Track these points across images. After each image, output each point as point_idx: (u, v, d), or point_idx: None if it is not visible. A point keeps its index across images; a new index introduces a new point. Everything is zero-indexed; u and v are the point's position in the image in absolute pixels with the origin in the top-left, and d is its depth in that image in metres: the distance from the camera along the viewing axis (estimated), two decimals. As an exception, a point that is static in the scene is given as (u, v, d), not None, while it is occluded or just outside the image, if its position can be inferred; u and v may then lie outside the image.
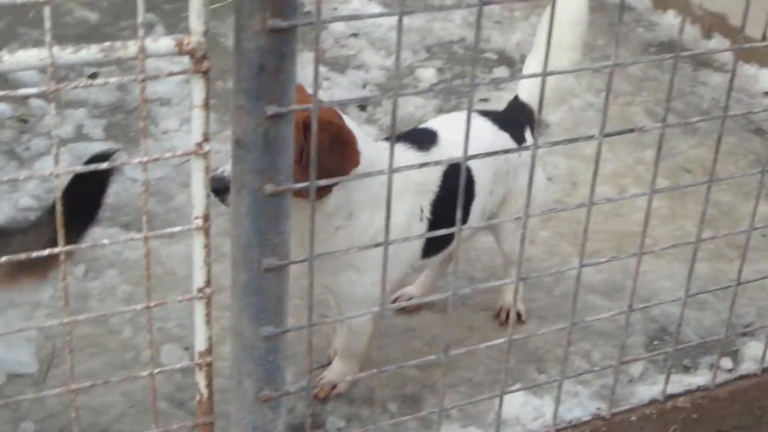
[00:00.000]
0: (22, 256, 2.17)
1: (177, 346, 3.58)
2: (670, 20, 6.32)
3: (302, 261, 2.55)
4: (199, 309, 2.64)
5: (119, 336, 3.60)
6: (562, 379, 3.04)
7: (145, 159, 2.39)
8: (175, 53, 2.26)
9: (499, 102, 5.37)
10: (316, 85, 2.32)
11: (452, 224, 3.26)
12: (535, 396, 3.26)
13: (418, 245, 3.21)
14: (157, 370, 2.69)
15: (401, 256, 3.16)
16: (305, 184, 2.39)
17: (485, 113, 3.57)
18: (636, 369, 3.54)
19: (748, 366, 3.50)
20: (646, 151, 4.92)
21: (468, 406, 3.26)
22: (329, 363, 3.49)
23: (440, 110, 5.35)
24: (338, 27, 6.17)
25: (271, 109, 2.29)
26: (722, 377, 3.40)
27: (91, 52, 2.23)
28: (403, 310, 3.78)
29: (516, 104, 3.63)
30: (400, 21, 2.22)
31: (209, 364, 2.72)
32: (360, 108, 5.28)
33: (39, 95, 3.56)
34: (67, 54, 2.23)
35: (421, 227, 3.17)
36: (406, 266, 3.25)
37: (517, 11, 6.43)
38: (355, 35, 6.11)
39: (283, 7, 2.19)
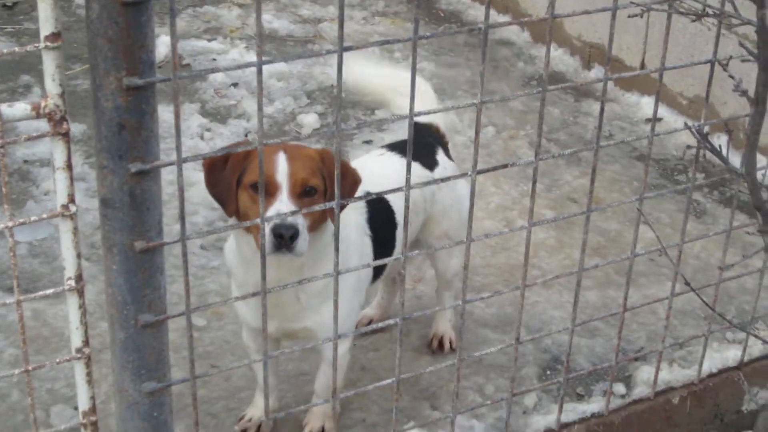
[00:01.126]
0: None
1: (66, 407, 3.50)
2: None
3: (179, 315, 2.53)
4: (79, 369, 2.61)
5: (7, 400, 3.51)
6: (455, 415, 3.06)
7: (10, 224, 2.37)
8: (32, 117, 2.24)
9: (382, 142, 5.43)
10: (179, 142, 2.32)
11: (384, 243, 3.37)
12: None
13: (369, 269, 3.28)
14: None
15: (363, 279, 3.26)
16: (177, 240, 2.39)
17: (394, 147, 3.62)
18: (530, 400, 3.57)
19: (641, 390, 3.56)
20: (530, 184, 4.99)
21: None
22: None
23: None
24: (218, 77, 6.16)
25: (135, 167, 2.28)
26: (616, 403, 3.46)
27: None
28: (364, 334, 3.84)
29: (421, 128, 3.63)
30: (259, 72, 2.23)
31: (94, 423, 2.68)
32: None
33: None
34: (-77, 120, 2.21)
35: (368, 243, 3.23)
36: (364, 290, 3.31)
37: (397, 52, 6.50)
38: (235, 85, 6.10)
39: (138, 65, 2.18)
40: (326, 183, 2.92)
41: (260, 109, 2.27)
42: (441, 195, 3.55)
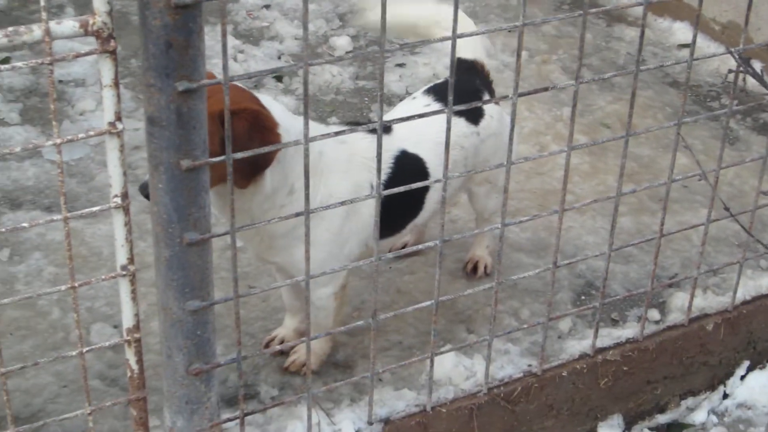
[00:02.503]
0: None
1: (106, 325, 3.55)
2: (584, -23, 6.37)
3: (224, 234, 2.55)
4: (124, 286, 2.64)
5: (48, 318, 3.56)
6: (491, 338, 3.08)
7: (58, 141, 2.38)
8: (80, 34, 2.24)
9: (416, 66, 5.41)
10: (225, 59, 2.31)
11: (402, 207, 3.29)
12: (466, 356, 3.28)
13: (369, 221, 3.17)
14: (86, 349, 2.68)
15: (354, 231, 3.16)
16: (220, 159, 2.40)
17: (435, 91, 3.49)
18: (565, 325, 3.59)
19: (675, 317, 3.56)
20: (564, 109, 4.97)
21: (400, 369, 3.28)
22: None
23: (357, 77, 5.35)
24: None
25: (182, 85, 2.28)
26: (650, 329, 3.46)
27: (-5, 35, 2.20)
28: (400, 257, 3.86)
29: (466, 67, 3.58)
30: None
31: (138, 340, 2.71)
32: (276, 79, 5.25)
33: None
34: (-29, 39, 2.21)
35: (370, 203, 3.15)
36: (359, 243, 3.21)
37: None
38: (267, 6, 6.06)
39: (187, -18, 2.18)
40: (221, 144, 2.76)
41: (305, 27, 2.26)
42: (484, 147, 3.46)
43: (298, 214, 2.62)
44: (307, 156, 2.53)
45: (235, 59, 5.46)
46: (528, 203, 4.27)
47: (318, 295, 3.17)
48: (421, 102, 3.43)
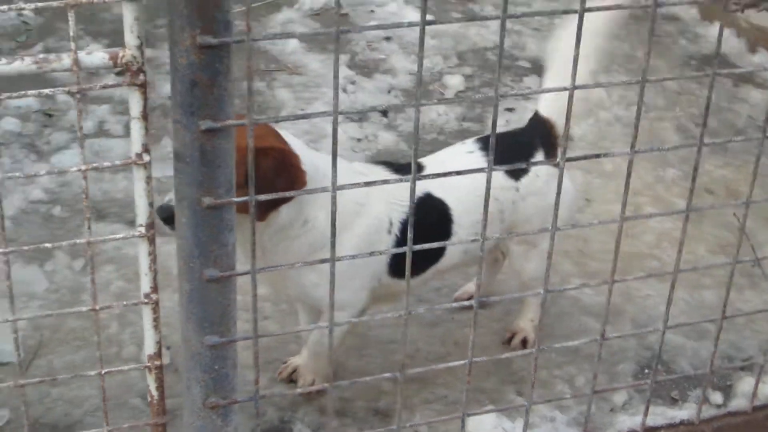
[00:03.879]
0: None
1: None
2: (715, 33, 6.17)
3: (244, 273, 2.54)
4: (147, 314, 2.67)
5: (105, 331, 3.63)
6: (530, 404, 2.98)
7: (83, 167, 2.42)
8: (109, 66, 2.28)
9: (525, 112, 5.32)
10: (251, 101, 2.31)
11: (422, 250, 3.23)
12: (508, 418, 3.20)
13: (383, 259, 3.16)
14: (104, 371, 2.72)
15: (365, 263, 3.13)
16: (243, 199, 2.40)
17: (486, 141, 3.42)
18: (620, 397, 3.45)
19: (739, 402, 3.38)
20: (668, 170, 4.81)
21: (438, 423, 3.22)
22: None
23: (463, 118, 5.29)
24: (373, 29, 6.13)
25: (205, 124, 2.28)
26: (710, 412, 3.29)
27: (25, 63, 2.26)
28: (462, 309, 3.80)
29: (534, 122, 3.51)
30: (422, 30, 2.17)
31: (158, 367, 2.73)
32: (382, 114, 5.26)
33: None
34: (1, 65, 2.27)
35: (388, 240, 3.14)
36: (371, 277, 3.18)
37: (557, 18, 6.34)
38: (388, 39, 6.08)
39: (212, 23, 2.17)
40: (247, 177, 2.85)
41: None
42: (525, 205, 3.35)
43: (323, 261, 2.58)
44: (334, 203, 2.49)
45: (344, 90, 5.48)
46: (608, 265, 4.10)
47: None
48: (466, 148, 3.38)
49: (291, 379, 3.47)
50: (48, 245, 2.63)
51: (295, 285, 3.17)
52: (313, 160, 3.02)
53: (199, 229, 2.44)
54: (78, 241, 2.49)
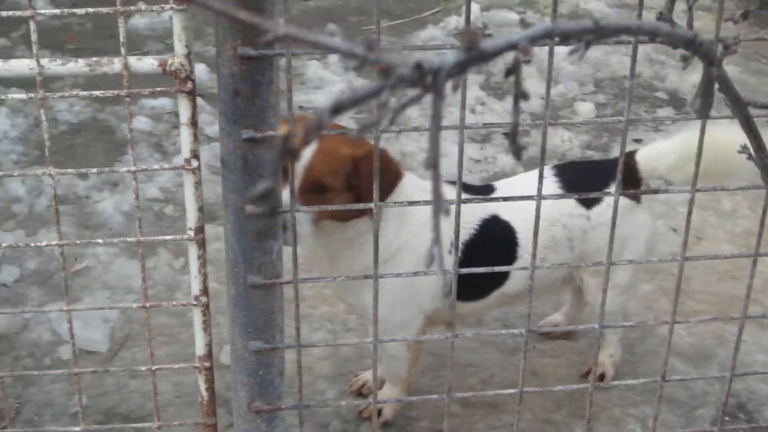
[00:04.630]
0: None
1: (245, 348, 3.68)
2: None
3: (287, 282, 2.59)
4: (197, 316, 2.74)
5: (191, 329, 3.73)
6: (585, 440, 2.93)
7: (133, 168, 2.52)
8: (158, 72, 2.36)
9: (651, 142, 5.19)
10: (291, 114, 2.35)
11: (486, 273, 3.21)
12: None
13: (447, 277, 3.15)
14: (155, 367, 2.82)
15: (427, 284, 3.12)
16: (286, 211, 2.45)
17: (560, 169, 3.37)
18: (691, 442, 3.33)
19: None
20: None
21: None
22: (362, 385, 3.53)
23: (587, 146, 5.21)
24: (512, 52, 6.11)
25: (246, 133, 2.35)
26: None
27: (78, 65, 2.37)
28: (548, 336, 3.81)
29: (625, 162, 3.43)
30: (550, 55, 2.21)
31: (208, 369, 2.81)
32: (506, 135, 5.24)
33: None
34: (55, 65, 2.39)
35: (449, 260, 3.12)
36: (433, 298, 3.17)
37: (706, 51, 6.17)
38: (527, 62, 6.02)
39: (253, 36, 2.24)
40: (351, 183, 2.92)
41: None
42: (595, 233, 3.27)
43: (366, 277, 2.62)
44: (377, 222, 2.51)
45: (473, 110, 5.49)
46: (707, 306, 3.99)
47: (390, 344, 3.18)
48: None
49: (360, 393, 3.50)
50: (99, 241, 2.75)
51: (355, 300, 3.20)
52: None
53: (243, 236, 2.50)
54: (129, 239, 2.59)
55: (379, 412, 3.40)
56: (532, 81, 5.83)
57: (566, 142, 5.21)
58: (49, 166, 2.53)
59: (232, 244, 2.53)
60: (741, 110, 1.31)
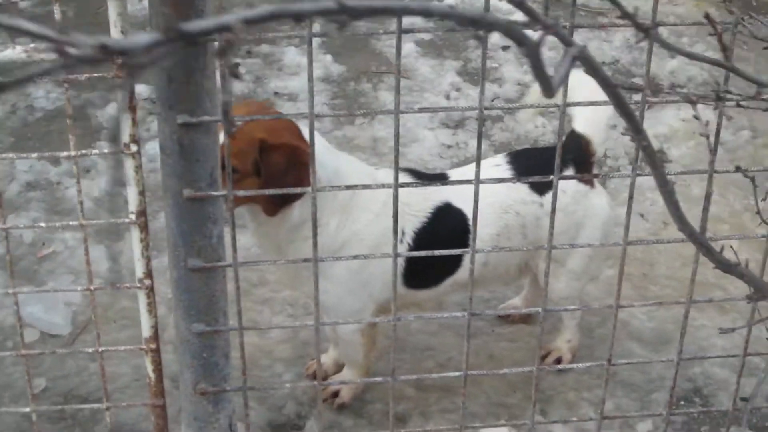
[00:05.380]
0: None
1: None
2: None
3: (226, 265, 2.61)
4: (141, 298, 2.77)
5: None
6: (532, 423, 2.95)
7: (73, 153, 2.55)
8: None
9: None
10: (229, 96, 2.37)
11: (438, 261, 3.22)
12: (527, 435, 3.16)
13: (398, 268, 3.17)
14: (101, 349, 2.85)
15: (376, 273, 3.15)
16: (221, 193, 2.47)
17: (513, 157, 3.40)
18: (644, 426, 3.36)
19: (774, 443, 3.25)
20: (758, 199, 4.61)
21: (447, 433, 3.21)
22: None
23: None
24: (493, 37, 6.11)
25: (182, 118, 2.37)
26: (740, 451, 3.19)
27: (16, 51, 2.40)
28: (507, 318, 3.84)
29: (569, 139, 3.46)
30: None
31: (153, 350, 2.84)
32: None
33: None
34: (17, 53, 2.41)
35: (400, 249, 3.14)
36: (384, 286, 3.18)
37: (685, 37, 6.18)
38: (506, 48, 6.04)
39: (181, 21, 2.26)
40: (258, 168, 2.92)
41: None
42: (548, 220, 3.28)
43: (306, 260, 2.64)
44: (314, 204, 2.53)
45: (447, 96, 5.51)
46: (670, 291, 4.01)
47: (343, 330, 3.25)
48: (494, 162, 3.38)
49: (315, 376, 3.52)
50: (42, 225, 2.77)
51: (307, 290, 3.22)
52: (334, 163, 3.06)
53: (182, 220, 2.52)
54: (72, 222, 2.62)
55: (337, 394, 3.44)
56: (510, 67, 5.85)
57: (539, 128, 5.22)
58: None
59: (172, 228, 2.55)
60: (611, 92, 1.33)
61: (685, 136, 5.09)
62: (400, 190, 3.14)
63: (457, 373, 2.83)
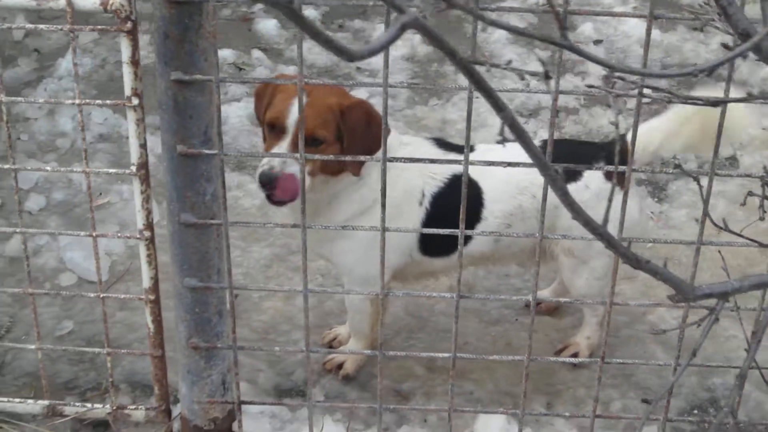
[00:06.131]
0: None
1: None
2: None
3: (217, 223, 2.67)
4: (142, 249, 2.86)
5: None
6: (522, 415, 2.94)
7: (77, 101, 2.63)
8: (99, 11, 2.47)
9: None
10: (216, 60, 2.42)
11: (451, 225, 3.22)
12: (518, 425, 3.15)
13: (415, 234, 3.20)
14: (103, 295, 2.95)
15: (394, 241, 3.15)
16: (212, 152, 2.53)
17: (560, 143, 3.36)
18: (649, 430, 3.29)
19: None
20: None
21: (452, 416, 3.22)
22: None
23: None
24: (586, 30, 6.05)
25: (176, 75, 2.44)
26: (748, 466, 3.12)
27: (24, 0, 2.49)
28: (537, 307, 3.78)
29: (613, 139, 3.45)
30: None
31: (153, 301, 2.93)
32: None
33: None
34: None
35: (419, 212, 3.16)
36: (401, 252, 3.21)
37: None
38: (598, 42, 5.96)
39: (180, -21, 2.32)
40: (342, 135, 2.96)
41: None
42: (566, 212, 3.22)
43: (295, 226, 2.68)
44: (384, 180, 2.57)
45: (528, 85, 5.45)
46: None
47: (353, 298, 3.25)
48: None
49: (331, 345, 3.57)
50: (47, 168, 2.86)
51: (327, 251, 3.26)
52: None
53: (176, 175, 2.60)
54: (76, 170, 2.71)
55: (342, 365, 3.47)
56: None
57: (612, 125, 5.14)
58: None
59: (168, 182, 2.63)
60: (466, 70, 1.33)
61: (763, 145, 4.94)
62: (423, 151, 3.19)
63: (446, 355, 2.84)
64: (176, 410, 3.09)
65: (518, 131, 1.45)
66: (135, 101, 2.57)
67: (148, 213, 2.76)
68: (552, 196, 3.29)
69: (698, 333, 3.77)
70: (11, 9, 5.19)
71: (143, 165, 2.68)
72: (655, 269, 1.72)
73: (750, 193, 2.42)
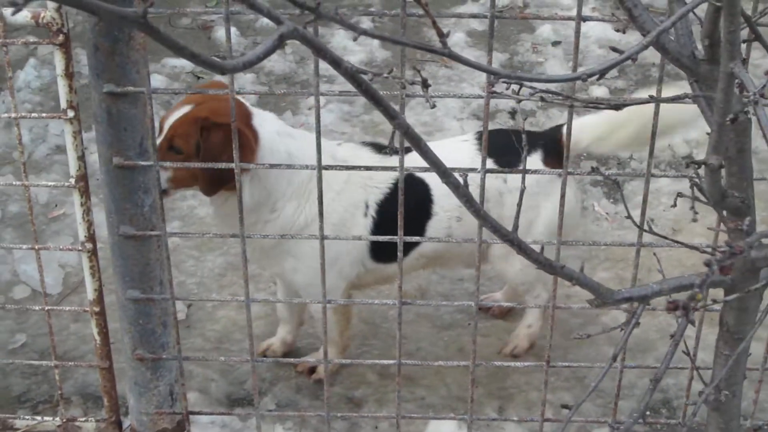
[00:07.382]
0: None
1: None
2: None
3: (155, 234, 2.67)
4: (85, 261, 2.85)
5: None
6: (471, 420, 2.94)
7: (14, 115, 2.63)
8: (32, 24, 2.46)
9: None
10: (146, 71, 2.42)
11: (404, 228, 3.23)
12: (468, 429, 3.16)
13: (364, 243, 3.21)
14: (48, 308, 2.95)
15: (343, 250, 3.18)
16: (147, 164, 2.53)
17: (495, 133, 3.35)
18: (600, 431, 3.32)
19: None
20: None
21: (403, 422, 3.22)
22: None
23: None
24: (545, 32, 6.06)
25: (108, 87, 2.44)
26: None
27: (-46, 9, 2.48)
28: (488, 311, 3.82)
29: (550, 129, 3.51)
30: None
31: (98, 313, 2.93)
32: (510, 116, 5.23)
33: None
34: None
35: (365, 223, 3.17)
36: (352, 262, 3.23)
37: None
38: (557, 43, 5.98)
39: (104, -9, 2.32)
40: (199, 149, 2.94)
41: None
42: (510, 197, 3.26)
43: (233, 235, 2.68)
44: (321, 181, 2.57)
45: (483, 89, 5.47)
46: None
47: (316, 308, 3.25)
48: (463, 137, 3.44)
49: (265, 355, 3.56)
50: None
51: (277, 269, 3.27)
52: (285, 147, 3.08)
53: (114, 187, 2.60)
54: (15, 183, 2.71)
55: (314, 370, 3.47)
56: (555, 62, 5.78)
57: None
58: None
59: (106, 194, 2.63)
60: (353, 78, 1.34)
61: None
62: (361, 162, 3.18)
63: (391, 362, 2.84)
64: (126, 422, 3.09)
65: (414, 139, 1.47)
66: (71, 114, 2.57)
67: (89, 225, 2.75)
68: (495, 184, 3.31)
69: (654, 336, 3.80)
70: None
71: (82, 177, 2.68)
72: (571, 274, 1.73)
73: (679, 195, 2.42)
